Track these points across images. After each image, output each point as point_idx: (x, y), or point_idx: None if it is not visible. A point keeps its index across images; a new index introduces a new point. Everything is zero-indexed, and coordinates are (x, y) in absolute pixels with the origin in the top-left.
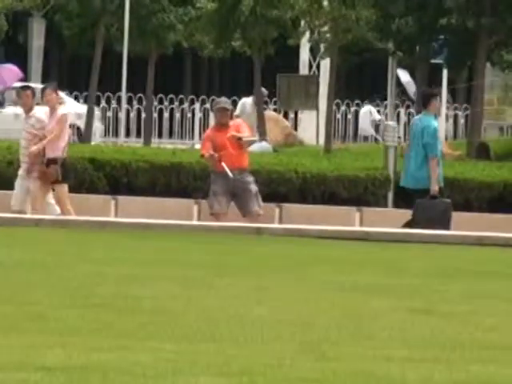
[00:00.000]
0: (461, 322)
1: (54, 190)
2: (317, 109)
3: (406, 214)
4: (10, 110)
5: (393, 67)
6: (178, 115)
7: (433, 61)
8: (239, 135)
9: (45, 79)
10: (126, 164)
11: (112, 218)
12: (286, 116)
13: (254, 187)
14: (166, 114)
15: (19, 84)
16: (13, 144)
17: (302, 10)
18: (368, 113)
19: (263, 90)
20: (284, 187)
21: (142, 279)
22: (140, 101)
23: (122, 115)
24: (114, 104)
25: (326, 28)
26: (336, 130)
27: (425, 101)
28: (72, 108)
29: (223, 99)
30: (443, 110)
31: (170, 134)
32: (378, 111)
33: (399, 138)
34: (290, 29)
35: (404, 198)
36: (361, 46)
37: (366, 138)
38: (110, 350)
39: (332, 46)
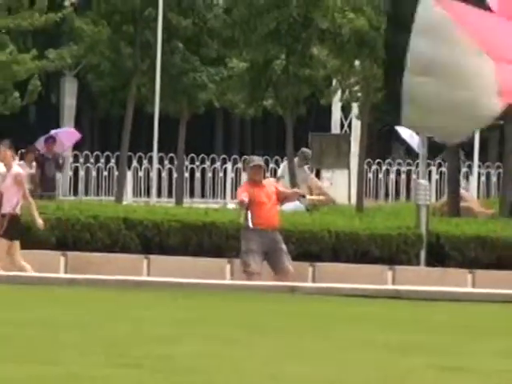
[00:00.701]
0: (493, 379)
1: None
2: (348, 168)
3: (439, 271)
4: None
5: None
6: (209, 175)
7: None
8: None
9: None
10: (158, 224)
11: (146, 277)
12: (317, 175)
13: (283, 246)
14: (198, 174)
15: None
16: None
17: (333, 69)
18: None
19: (306, 150)
20: (317, 246)
21: (176, 338)
22: (171, 160)
23: (154, 175)
24: (145, 164)
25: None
26: (367, 188)
27: None
28: None
29: (256, 157)
30: (475, 168)
31: (202, 194)
32: (410, 170)
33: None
34: (322, 88)
35: (436, 256)
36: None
37: (397, 197)
38: None
39: (363, 104)
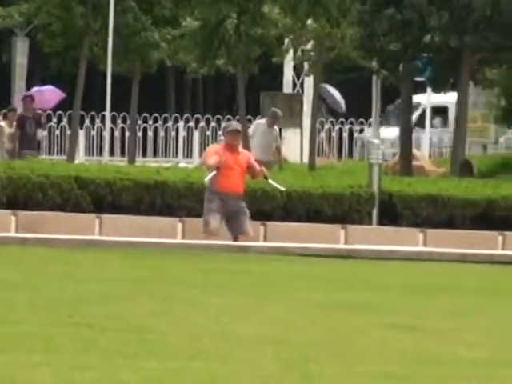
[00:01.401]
0: (444, 338)
1: None
2: (301, 127)
3: (391, 231)
4: None
5: (377, 85)
6: (162, 134)
7: (416, 79)
8: (266, 174)
9: None
10: (110, 182)
11: (97, 237)
12: None
13: (247, 210)
14: (150, 133)
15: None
16: None
17: (286, 28)
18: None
19: (277, 110)
20: (268, 205)
21: (127, 298)
22: (124, 120)
23: (107, 134)
24: (98, 123)
25: (309, 46)
26: (320, 147)
27: None
28: None
29: (235, 122)
30: (427, 128)
31: (154, 153)
32: (362, 129)
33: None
34: (274, 47)
35: (388, 215)
36: (345, 64)
37: (350, 155)
38: (95, 369)
39: (316, 64)
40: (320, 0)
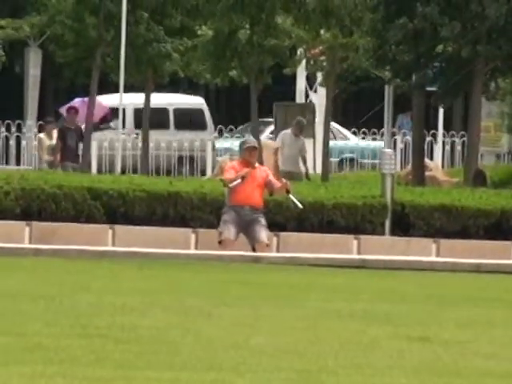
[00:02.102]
0: (459, 349)
1: None
2: (313, 137)
3: (403, 241)
4: None
5: (389, 95)
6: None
7: (428, 88)
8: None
9: (41, 108)
10: (123, 193)
11: (110, 248)
12: None
13: (263, 220)
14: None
15: None
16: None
17: (298, 39)
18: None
19: (302, 119)
20: (281, 216)
21: (140, 309)
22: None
23: (119, 145)
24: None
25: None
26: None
27: None
28: None
29: (252, 139)
30: (440, 137)
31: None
32: (374, 139)
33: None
34: (287, 58)
35: (401, 226)
36: (358, 74)
37: (362, 166)
38: (109, 380)
39: (328, 74)
40: (333, 10)
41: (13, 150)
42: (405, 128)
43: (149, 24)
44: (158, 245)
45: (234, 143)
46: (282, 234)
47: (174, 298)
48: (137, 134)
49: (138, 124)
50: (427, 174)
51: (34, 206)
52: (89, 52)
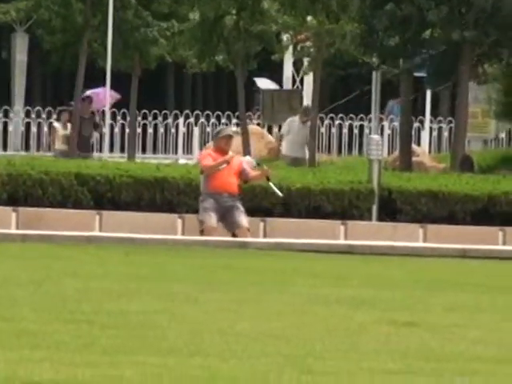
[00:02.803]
0: (445, 334)
1: None
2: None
3: (390, 226)
4: None
5: (377, 81)
6: (161, 130)
7: (416, 74)
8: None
9: (28, 94)
10: (110, 179)
11: (97, 233)
12: (269, 131)
13: (241, 206)
14: (150, 130)
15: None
16: None
17: (285, 25)
18: None
19: (309, 106)
20: (268, 201)
21: (127, 294)
22: (124, 116)
23: (106, 130)
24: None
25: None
26: (320, 143)
27: None
28: None
29: (228, 127)
30: (427, 123)
31: (154, 149)
32: (362, 125)
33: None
34: (274, 43)
35: (388, 211)
36: (345, 60)
37: (350, 152)
38: (96, 365)
39: (315, 60)
40: None
41: None
42: (394, 114)
43: (136, 9)
44: (144, 230)
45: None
46: (269, 219)
47: (160, 284)
48: None
49: None
50: (414, 159)
51: (20, 192)
52: (76, 37)
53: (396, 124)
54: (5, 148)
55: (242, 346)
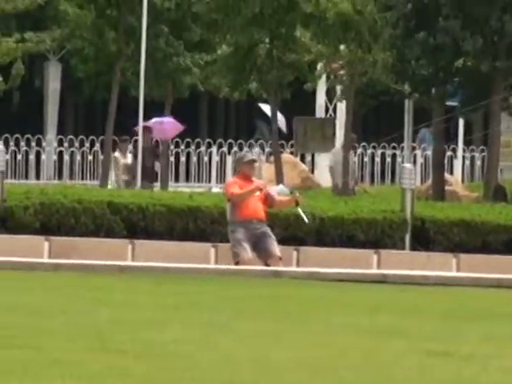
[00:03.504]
0: (480, 364)
1: None
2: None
3: (423, 256)
4: None
5: (409, 109)
6: (194, 159)
7: (448, 103)
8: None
9: (60, 122)
10: (143, 208)
11: (130, 262)
12: (302, 159)
13: (271, 234)
14: (183, 158)
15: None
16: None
17: (318, 54)
18: None
19: (354, 135)
20: (301, 230)
21: (160, 323)
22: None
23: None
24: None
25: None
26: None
27: None
28: None
29: (250, 153)
30: (460, 152)
31: (187, 178)
32: (394, 154)
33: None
34: (307, 72)
35: (421, 240)
36: (377, 88)
37: (382, 180)
38: None
39: (348, 88)
40: (352, 25)
41: (32, 165)
42: (426, 142)
43: (168, 38)
44: (177, 260)
45: None
46: (302, 248)
47: (193, 313)
48: None
49: None
50: (447, 188)
51: (53, 221)
52: (108, 66)
53: (429, 153)
54: (38, 177)
55: (277, 376)
